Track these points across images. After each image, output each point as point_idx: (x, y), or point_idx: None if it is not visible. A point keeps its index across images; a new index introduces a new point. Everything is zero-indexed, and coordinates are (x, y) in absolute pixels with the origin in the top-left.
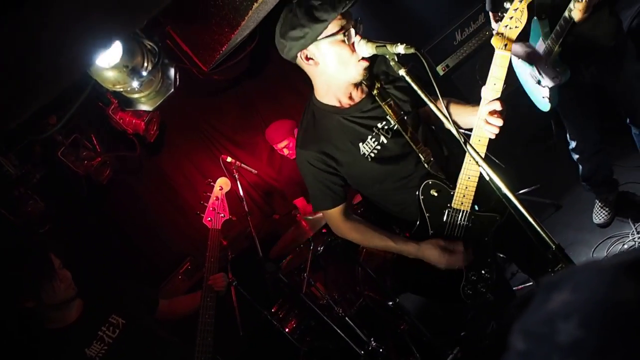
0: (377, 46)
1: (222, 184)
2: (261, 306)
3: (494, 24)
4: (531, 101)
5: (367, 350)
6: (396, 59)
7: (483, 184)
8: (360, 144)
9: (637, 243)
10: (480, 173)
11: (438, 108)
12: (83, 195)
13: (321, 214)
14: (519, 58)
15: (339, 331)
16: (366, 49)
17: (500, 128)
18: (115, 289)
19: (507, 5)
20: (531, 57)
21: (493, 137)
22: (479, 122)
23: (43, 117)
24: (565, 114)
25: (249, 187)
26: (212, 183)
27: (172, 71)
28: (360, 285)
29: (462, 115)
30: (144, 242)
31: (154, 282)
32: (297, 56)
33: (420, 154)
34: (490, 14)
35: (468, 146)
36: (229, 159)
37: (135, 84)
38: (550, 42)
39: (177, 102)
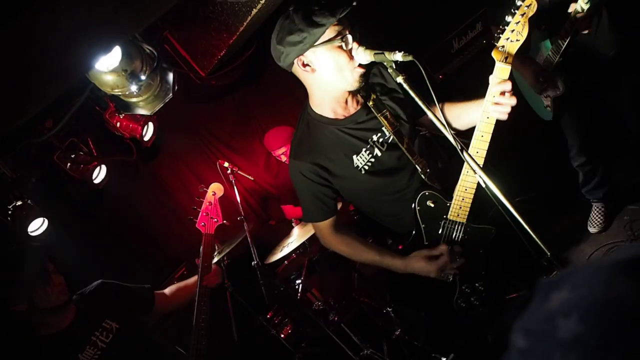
0: (375, 53)
1: (215, 189)
2: (256, 312)
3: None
4: (532, 110)
5: (362, 356)
6: (394, 67)
7: (479, 197)
8: (354, 157)
9: None
10: (477, 184)
11: (435, 116)
12: (79, 199)
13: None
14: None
15: (334, 337)
16: (364, 56)
17: (513, 109)
18: (109, 292)
19: (508, 18)
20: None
21: (505, 117)
22: (487, 107)
23: (40, 120)
24: (566, 122)
25: (246, 192)
26: (205, 189)
27: (170, 76)
28: (356, 292)
29: (464, 114)
30: (140, 247)
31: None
32: (294, 63)
33: (417, 165)
34: (492, 27)
35: (465, 153)
36: (225, 164)
37: (133, 87)
38: (551, 53)
39: (174, 107)
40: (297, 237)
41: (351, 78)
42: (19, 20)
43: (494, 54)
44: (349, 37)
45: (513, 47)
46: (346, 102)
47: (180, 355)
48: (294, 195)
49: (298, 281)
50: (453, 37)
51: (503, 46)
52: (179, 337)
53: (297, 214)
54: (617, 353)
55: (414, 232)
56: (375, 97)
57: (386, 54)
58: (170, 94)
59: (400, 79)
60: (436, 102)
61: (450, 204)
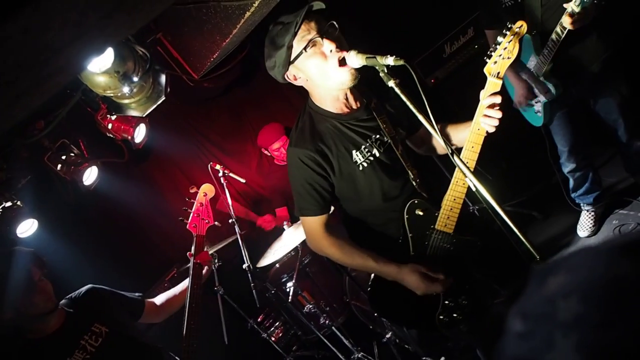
0: (367, 57)
1: (206, 190)
2: (247, 315)
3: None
4: (521, 115)
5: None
6: (386, 71)
7: (467, 209)
8: (354, 151)
9: None
10: (466, 194)
11: (427, 119)
12: (69, 200)
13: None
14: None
15: (325, 340)
16: (356, 60)
17: (500, 121)
18: (99, 297)
19: (499, 39)
20: (524, 74)
21: (492, 130)
22: (478, 118)
23: (30, 121)
24: (556, 128)
25: (237, 194)
26: (196, 190)
27: (163, 78)
28: (347, 295)
29: (454, 132)
30: (130, 249)
31: (139, 289)
32: (285, 79)
33: (409, 172)
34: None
35: (455, 157)
36: (217, 167)
37: (126, 89)
38: (542, 59)
39: (166, 109)
40: (288, 240)
41: (340, 77)
42: (11, 22)
43: (486, 70)
44: (319, 39)
45: (504, 65)
46: (346, 98)
47: (171, 358)
48: (285, 197)
49: (289, 284)
50: (445, 42)
51: (495, 62)
52: (169, 340)
53: (285, 218)
54: (618, 328)
55: (400, 240)
56: (376, 100)
57: (378, 58)
58: (163, 96)
59: (391, 83)
60: (427, 107)
61: (439, 213)
